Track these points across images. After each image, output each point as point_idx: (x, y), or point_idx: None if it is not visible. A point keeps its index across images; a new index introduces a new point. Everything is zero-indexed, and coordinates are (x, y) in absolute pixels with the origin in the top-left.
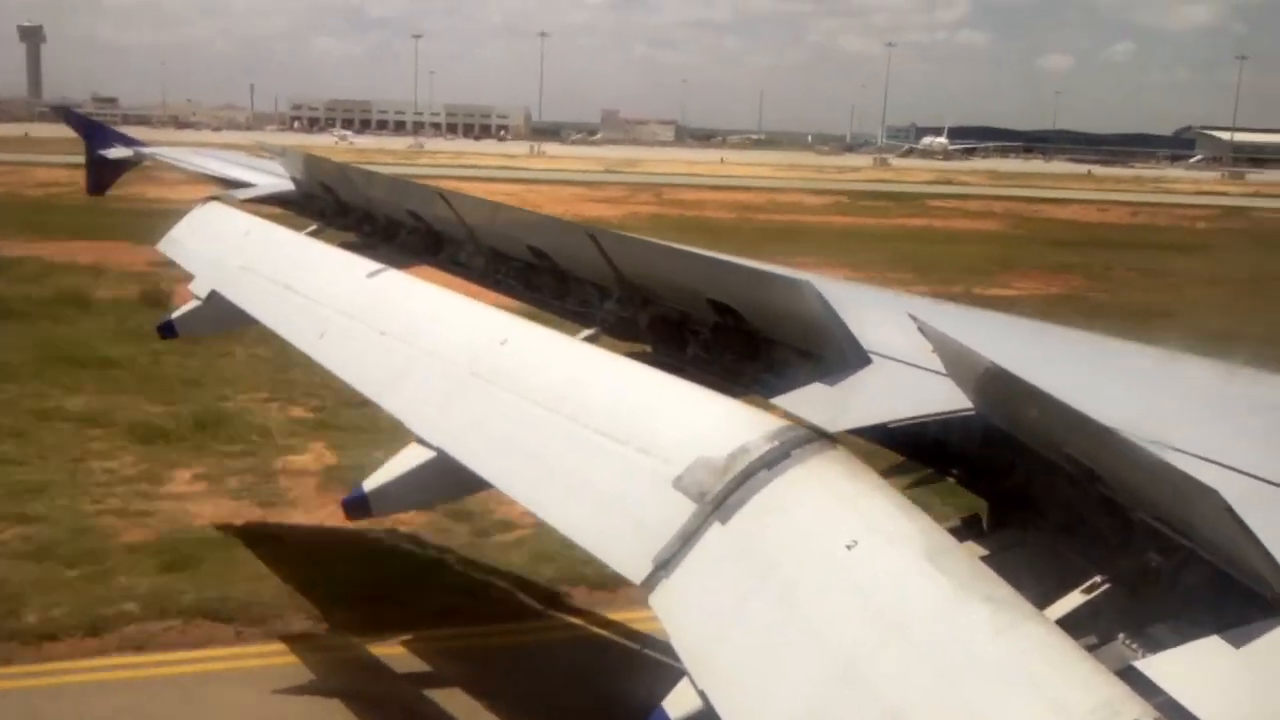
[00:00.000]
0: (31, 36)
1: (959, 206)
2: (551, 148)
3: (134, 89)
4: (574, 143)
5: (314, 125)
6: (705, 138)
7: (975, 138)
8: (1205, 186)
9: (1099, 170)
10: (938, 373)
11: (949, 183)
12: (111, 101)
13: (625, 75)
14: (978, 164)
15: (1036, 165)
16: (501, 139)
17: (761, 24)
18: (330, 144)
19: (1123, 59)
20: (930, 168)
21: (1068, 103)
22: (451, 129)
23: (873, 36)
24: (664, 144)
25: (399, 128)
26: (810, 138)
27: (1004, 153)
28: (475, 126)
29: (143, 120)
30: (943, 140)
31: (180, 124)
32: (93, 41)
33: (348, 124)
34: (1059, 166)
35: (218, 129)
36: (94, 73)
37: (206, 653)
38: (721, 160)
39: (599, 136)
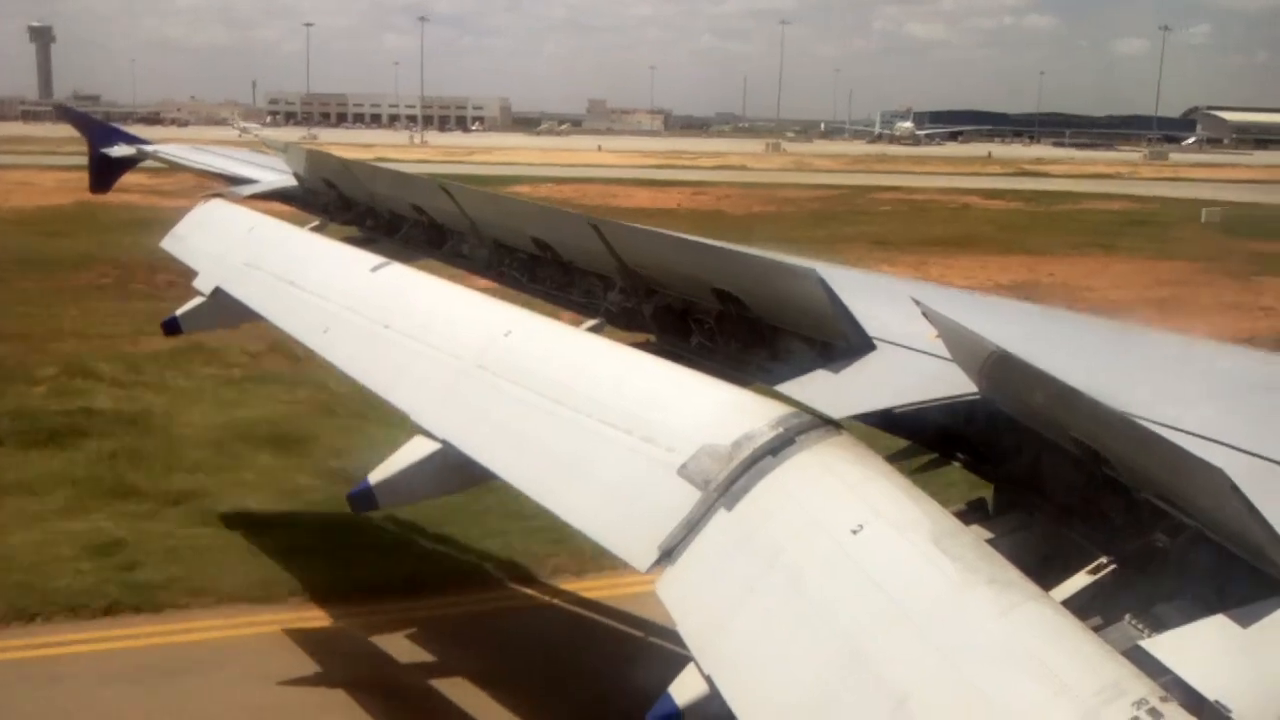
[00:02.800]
0: (41, 37)
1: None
2: (478, 139)
3: (145, 88)
4: (539, 133)
5: (290, 119)
6: (699, 127)
7: (963, 121)
8: (1096, 169)
9: (1032, 150)
10: (942, 358)
11: (744, 168)
12: (93, 99)
13: (688, 68)
14: (928, 149)
15: (980, 148)
16: (468, 130)
17: (827, 12)
18: (234, 136)
19: (1198, 40)
20: (840, 153)
21: (1117, 85)
22: (428, 120)
23: (939, 22)
24: (647, 134)
25: (374, 120)
26: (823, 125)
27: (990, 136)
28: (451, 118)
29: (124, 117)
30: (908, 125)
31: (151, 120)
32: (100, 41)
33: (324, 117)
34: (1005, 150)
35: (184, 124)
36: (101, 72)
37: None
38: (599, 148)
39: (564, 127)
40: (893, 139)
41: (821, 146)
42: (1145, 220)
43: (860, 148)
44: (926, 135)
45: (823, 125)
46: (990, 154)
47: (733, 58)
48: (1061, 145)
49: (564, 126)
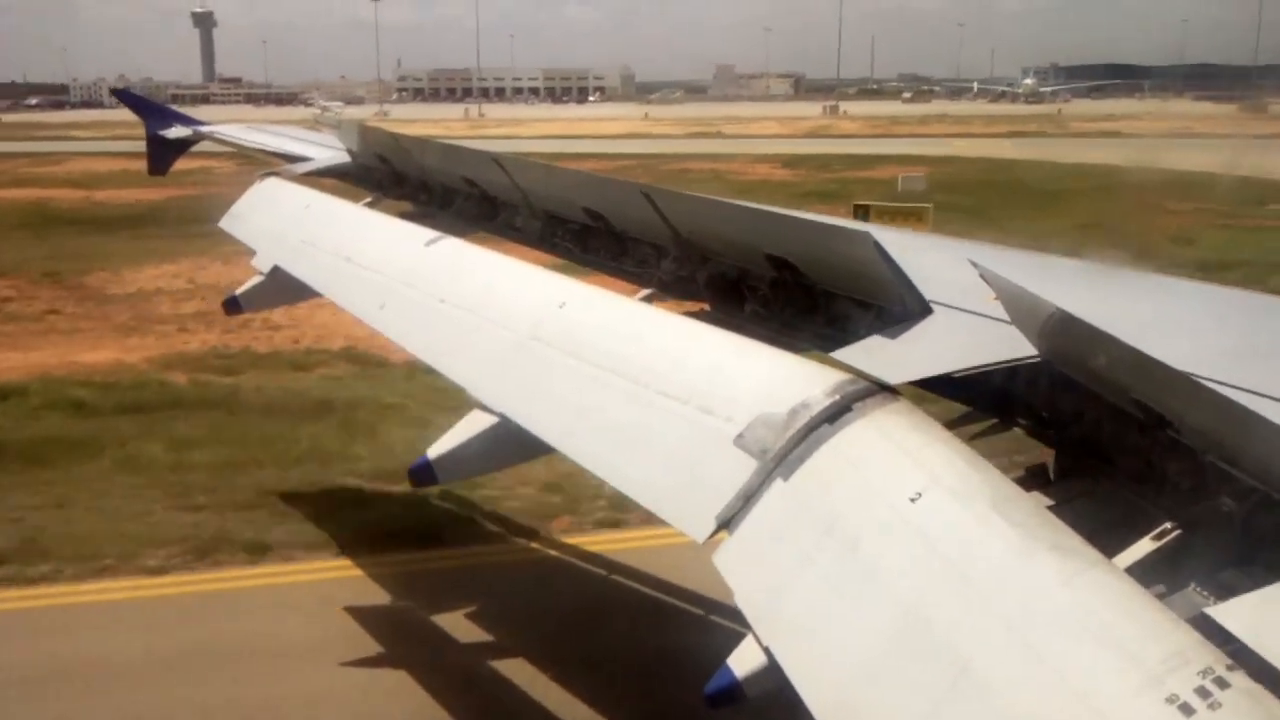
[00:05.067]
0: (204, 22)
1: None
2: (587, 110)
3: (311, 68)
4: (651, 102)
5: (418, 95)
6: (828, 90)
7: (1101, 76)
8: (1136, 126)
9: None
10: (1001, 320)
11: (719, 135)
12: (235, 81)
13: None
14: (1040, 108)
15: (1111, 104)
16: (582, 101)
17: None
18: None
19: None
20: (906, 115)
21: None
22: (550, 92)
23: None
24: (770, 99)
25: (499, 94)
26: (975, 86)
27: (1130, 91)
28: (573, 89)
29: (258, 99)
30: (1030, 82)
31: (283, 102)
32: (275, 22)
33: (450, 93)
34: (1111, 106)
35: (310, 104)
36: (263, 55)
37: None
38: (645, 116)
39: (678, 95)
40: (1015, 97)
41: (922, 108)
42: (851, 193)
43: (961, 108)
44: (1051, 92)
45: (974, 86)
46: (1060, 110)
47: (909, 16)
48: (1203, 100)
49: (677, 95)
